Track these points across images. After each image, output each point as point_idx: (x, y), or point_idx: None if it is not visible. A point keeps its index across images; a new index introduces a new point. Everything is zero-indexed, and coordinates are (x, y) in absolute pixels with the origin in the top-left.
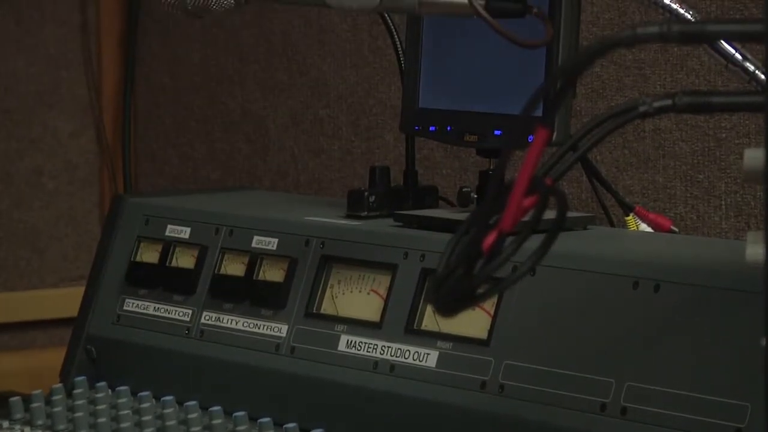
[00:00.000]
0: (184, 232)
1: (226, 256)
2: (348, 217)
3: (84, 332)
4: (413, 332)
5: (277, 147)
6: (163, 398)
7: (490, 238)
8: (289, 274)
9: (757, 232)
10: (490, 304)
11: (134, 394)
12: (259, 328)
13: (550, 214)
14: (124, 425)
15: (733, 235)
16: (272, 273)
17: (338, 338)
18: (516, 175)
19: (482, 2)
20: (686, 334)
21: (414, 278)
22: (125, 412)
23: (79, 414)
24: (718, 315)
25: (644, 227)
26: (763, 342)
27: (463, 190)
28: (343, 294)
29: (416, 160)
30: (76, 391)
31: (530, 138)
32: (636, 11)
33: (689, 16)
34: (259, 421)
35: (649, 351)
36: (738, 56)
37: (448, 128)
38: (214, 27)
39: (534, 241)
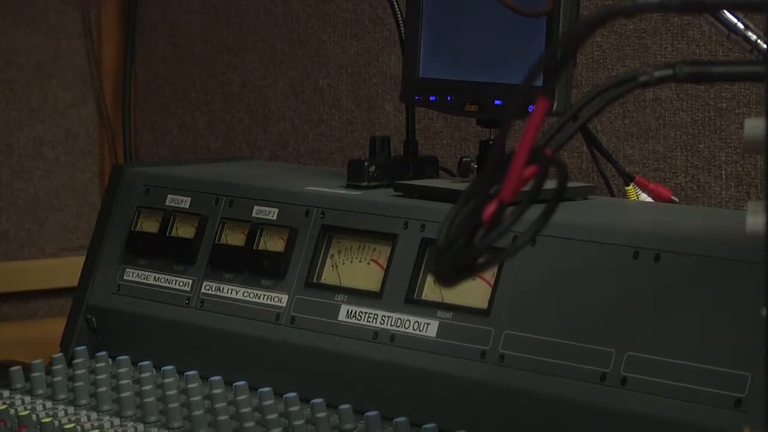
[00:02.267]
0: (185, 202)
1: (226, 226)
2: (348, 187)
3: (84, 302)
4: (413, 302)
5: (278, 117)
6: (163, 368)
7: (490, 208)
8: (290, 244)
9: (758, 202)
10: (490, 274)
11: (134, 363)
12: (259, 298)
13: (550, 184)
14: (124, 395)
15: (734, 204)
16: (272, 243)
17: (338, 308)
18: (516, 145)
19: None
20: (686, 304)
21: (414, 248)
22: (126, 381)
23: (79, 383)
24: (718, 285)
25: (644, 197)
26: (764, 312)
27: (464, 160)
28: (344, 264)
29: (416, 130)
30: (76, 361)
31: (531, 108)
32: None
33: None
34: (259, 390)
35: (650, 321)
36: (740, 25)
37: (449, 98)
38: None
39: (534, 211)
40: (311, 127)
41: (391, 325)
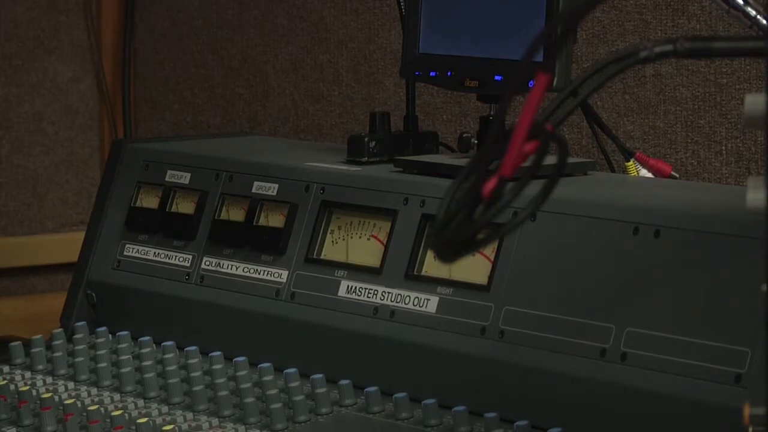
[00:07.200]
0: (184, 178)
1: (226, 202)
2: (348, 162)
3: (84, 277)
4: (413, 278)
5: (277, 92)
6: (163, 343)
7: (490, 184)
8: (290, 220)
9: (758, 178)
10: (490, 250)
11: (134, 339)
12: (259, 274)
13: (550, 160)
14: (124, 370)
15: (734, 180)
16: (272, 218)
17: (338, 284)
18: (516, 120)
19: None
20: (686, 280)
21: (414, 224)
22: (126, 357)
23: (79, 359)
24: (718, 261)
25: (645, 173)
26: (764, 288)
27: (464, 135)
28: (344, 239)
29: (416, 105)
30: (76, 336)
31: (531, 83)
32: None
33: None
34: (259, 366)
35: (649, 297)
36: (739, 1)
37: (449, 73)
38: None
39: (534, 187)
40: (311, 103)
41: (391, 301)
